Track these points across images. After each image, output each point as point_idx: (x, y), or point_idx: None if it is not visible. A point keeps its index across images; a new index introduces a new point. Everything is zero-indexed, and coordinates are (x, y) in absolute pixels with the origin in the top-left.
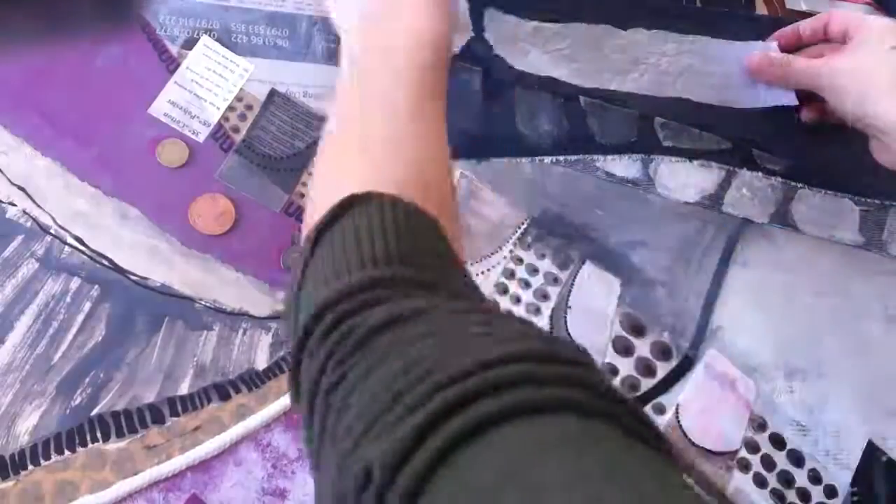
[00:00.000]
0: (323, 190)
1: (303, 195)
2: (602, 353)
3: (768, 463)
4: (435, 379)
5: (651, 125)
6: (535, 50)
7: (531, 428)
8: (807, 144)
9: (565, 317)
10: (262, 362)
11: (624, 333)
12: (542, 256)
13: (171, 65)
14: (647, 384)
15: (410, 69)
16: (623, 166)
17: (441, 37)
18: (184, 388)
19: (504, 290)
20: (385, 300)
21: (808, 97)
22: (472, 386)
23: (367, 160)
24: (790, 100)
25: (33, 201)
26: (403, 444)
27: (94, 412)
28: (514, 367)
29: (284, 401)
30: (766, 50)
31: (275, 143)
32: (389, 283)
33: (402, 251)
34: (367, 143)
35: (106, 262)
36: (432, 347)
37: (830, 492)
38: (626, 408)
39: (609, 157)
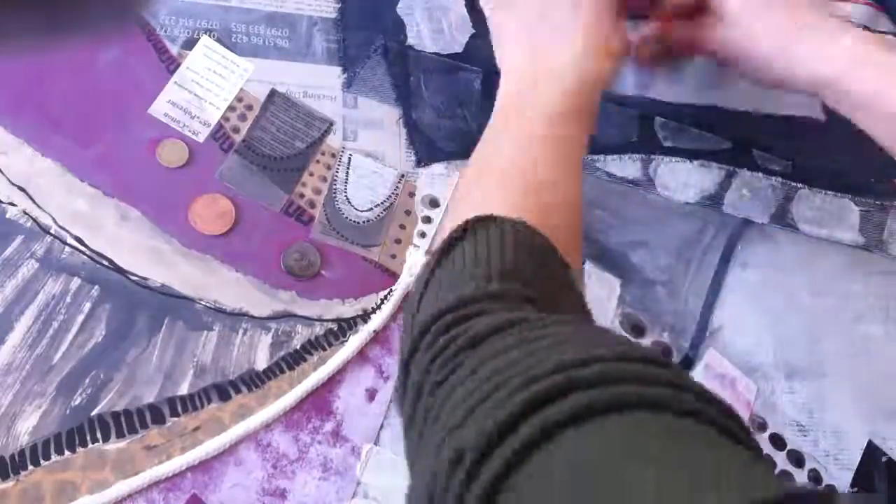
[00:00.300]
0: (454, 210)
1: (303, 195)
2: None
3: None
4: (531, 374)
5: (651, 125)
6: None
7: (626, 422)
8: (807, 145)
9: None
10: (262, 362)
11: (624, 333)
12: None
13: (172, 65)
14: None
15: (558, 102)
16: (623, 166)
17: (602, 73)
18: (184, 389)
19: None
20: (492, 312)
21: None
22: (563, 380)
23: (497, 186)
24: (816, 113)
25: (33, 202)
26: (497, 429)
27: (94, 412)
28: (607, 365)
29: (285, 401)
30: None
31: (275, 143)
32: (499, 297)
33: (515, 269)
34: (499, 170)
35: (106, 263)
36: (528, 351)
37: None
38: (719, 407)
39: (609, 157)
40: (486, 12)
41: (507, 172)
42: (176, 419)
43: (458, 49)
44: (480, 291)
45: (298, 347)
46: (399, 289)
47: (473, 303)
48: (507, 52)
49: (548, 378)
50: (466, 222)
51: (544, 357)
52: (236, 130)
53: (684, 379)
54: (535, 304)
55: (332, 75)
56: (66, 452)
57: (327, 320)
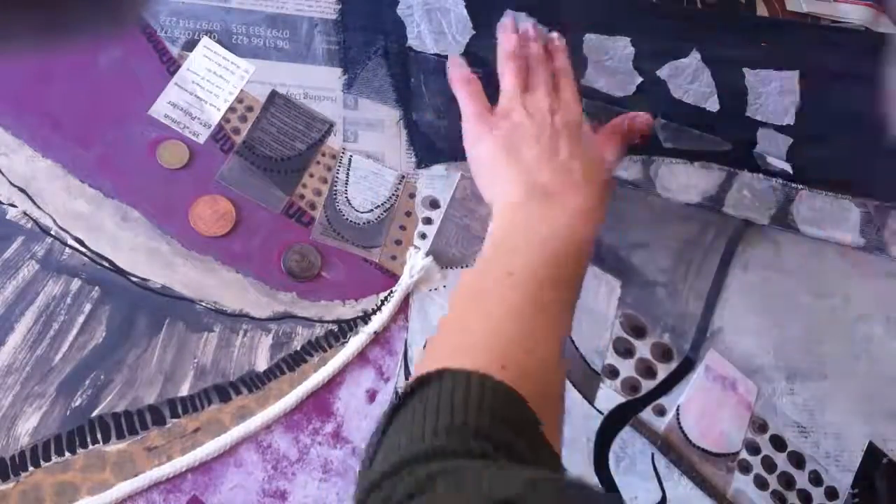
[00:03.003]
0: (424, 357)
1: (303, 196)
2: (602, 354)
3: (769, 464)
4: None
5: (651, 126)
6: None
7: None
8: (808, 145)
9: None
10: (262, 364)
11: (624, 335)
12: None
13: (172, 66)
14: (647, 386)
15: (548, 257)
16: (623, 167)
17: (593, 232)
18: (184, 390)
19: None
20: (438, 474)
21: None
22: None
23: (471, 339)
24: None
25: (34, 203)
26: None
27: (95, 413)
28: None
29: (285, 402)
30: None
31: (275, 144)
32: (448, 453)
33: (466, 425)
34: (476, 322)
35: (106, 264)
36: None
37: (831, 493)
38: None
39: None
40: (468, 148)
41: (484, 327)
42: (176, 420)
43: (459, 50)
44: (426, 448)
45: (299, 349)
46: (399, 290)
47: (417, 462)
48: (502, 194)
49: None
50: (427, 374)
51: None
52: (237, 132)
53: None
54: (493, 458)
55: (333, 77)
56: (67, 454)
57: (327, 321)
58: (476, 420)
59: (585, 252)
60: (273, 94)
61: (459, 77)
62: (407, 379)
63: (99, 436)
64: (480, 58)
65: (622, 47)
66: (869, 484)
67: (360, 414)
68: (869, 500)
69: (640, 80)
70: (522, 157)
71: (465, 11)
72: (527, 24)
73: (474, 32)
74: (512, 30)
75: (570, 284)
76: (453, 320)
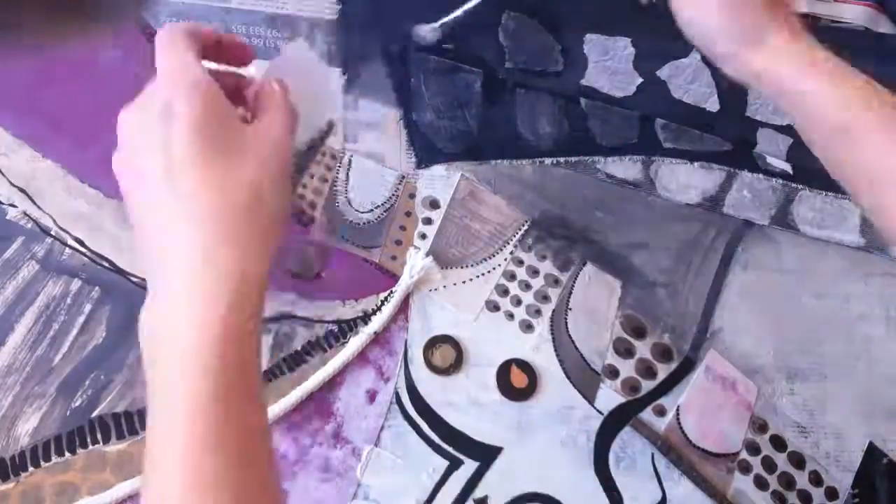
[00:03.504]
0: None
1: (303, 196)
2: (603, 354)
3: (769, 465)
4: None
5: (652, 127)
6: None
7: None
8: (808, 146)
9: (566, 319)
10: (262, 364)
11: (625, 335)
12: (543, 258)
13: None
14: (647, 386)
15: (186, 411)
16: (624, 168)
17: (262, 266)
18: None
19: (504, 292)
20: None
21: None
22: None
23: None
24: None
25: (34, 203)
26: None
27: (95, 414)
28: None
29: (285, 402)
30: None
31: None
32: None
33: None
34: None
35: (106, 264)
36: None
37: (831, 494)
38: None
39: (610, 159)
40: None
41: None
42: None
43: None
44: None
45: (299, 349)
46: (399, 290)
47: None
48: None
49: None
50: None
51: None
52: None
53: None
54: None
55: (333, 77)
56: (67, 454)
57: (328, 322)
58: None
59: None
60: None
61: None
62: (407, 380)
63: (99, 436)
64: (481, 59)
65: (622, 47)
66: (869, 484)
67: (360, 414)
68: (869, 500)
69: (640, 80)
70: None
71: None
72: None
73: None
74: None
75: (233, 404)
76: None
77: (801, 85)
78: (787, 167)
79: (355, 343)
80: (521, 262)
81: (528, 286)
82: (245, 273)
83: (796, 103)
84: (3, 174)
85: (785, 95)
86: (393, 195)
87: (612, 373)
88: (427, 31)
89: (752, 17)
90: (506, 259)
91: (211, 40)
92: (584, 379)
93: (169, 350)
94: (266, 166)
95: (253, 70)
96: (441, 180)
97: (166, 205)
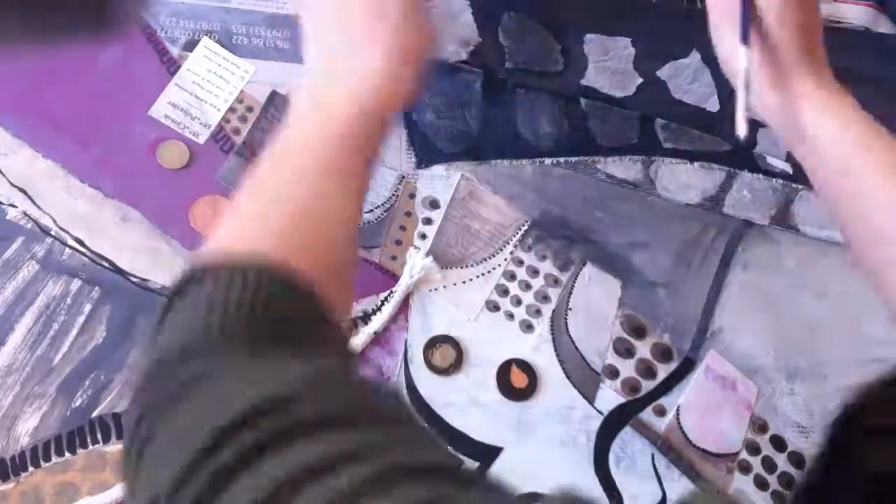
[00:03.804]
0: (213, 236)
1: None
2: (603, 354)
3: (769, 465)
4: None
5: (652, 127)
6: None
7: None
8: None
9: (566, 318)
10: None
11: (625, 335)
12: (543, 258)
13: (172, 67)
14: (647, 386)
15: (343, 117)
16: (624, 168)
17: (395, 83)
18: None
19: (504, 292)
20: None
21: None
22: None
23: (247, 218)
24: None
25: (34, 203)
26: (180, 473)
27: (95, 414)
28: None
29: None
30: None
31: None
32: (214, 353)
33: (238, 318)
34: (257, 199)
35: (106, 264)
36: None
37: None
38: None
39: (610, 159)
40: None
41: (255, 206)
42: None
43: (465, 55)
44: (198, 343)
45: None
46: (399, 290)
47: (186, 359)
48: (307, 56)
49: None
50: (190, 269)
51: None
52: (237, 132)
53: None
54: (257, 349)
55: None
56: (67, 454)
57: None
58: (251, 311)
59: (391, 105)
60: (273, 95)
61: None
62: (407, 380)
63: (99, 436)
64: (480, 59)
65: (622, 47)
66: None
67: None
68: None
69: (640, 80)
70: (319, 16)
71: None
72: None
73: (480, 41)
74: None
75: (358, 153)
76: (236, 205)
77: (819, 129)
78: (787, 167)
79: (355, 343)
80: (521, 262)
81: (528, 286)
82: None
83: (812, 148)
84: (3, 174)
85: (803, 140)
86: (393, 195)
87: (612, 373)
88: None
89: (785, 57)
90: (506, 259)
91: None
92: (584, 379)
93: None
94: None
95: (252, 69)
96: (441, 180)
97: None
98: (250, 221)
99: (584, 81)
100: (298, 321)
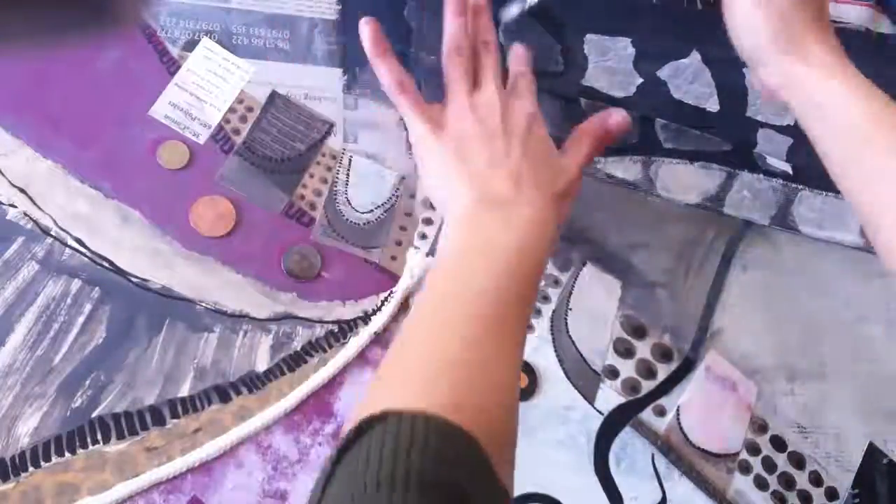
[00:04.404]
0: (367, 393)
1: (303, 197)
2: (603, 355)
3: (769, 465)
4: None
5: (652, 127)
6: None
7: None
8: (808, 146)
9: (566, 319)
10: (262, 364)
11: (625, 335)
12: None
13: (172, 67)
14: (647, 386)
15: (500, 273)
16: (623, 168)
17: (546, 247)
18: (184, 390)
19: None
20: None
21: None
22: None
23: (413, 370)
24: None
25: (34, 203)
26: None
27: (95, 414)
28: None
29: (285, 403)
30: None
31: (275, 145)
32: None
33: (410, 472)
34: (418, 349)
35: (106, 264)
36: None
37: (831, 494)
38: None
39: (609, 159)
40: (417, 157)
41: (420, 358)
42: (176, 421)
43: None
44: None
45: (299, 349)
46: (399, 290)
47: None
48: (453, 204)
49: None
50: (361, 422)
51: None
52: (237, 132)
53: None
54: None
55: (333, 77)
56: (67, 454)
57: (328, 322)
58: (420, 466)
59: (538, 267)
60: (273, 95)
61: (393, 83)
62: None
63: (99, 436)
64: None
65: (622, 48)
66: (869, 484)
67: None
68: (869, 500)
69: (640, 80)
70: (473, 164)
71: None
72: None
73: None
74: (459, 11)
75: (523, 300)
76: (399, 352)
77: (828, 97)
78: (788, 167)
79: (355, 343)
80: None
81: None
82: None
83: (821, 115)
84: (2, 174)
85: (812, 105)
86: (393, 195)
87: (612, 373)
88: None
89: (792, 23)
90: None
91: None
92: (584, 379)
93: (512, 240)
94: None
95: (252, 69)
96: None
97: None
98: (419, 379)
99: (583, 81)
100: (469, 480)
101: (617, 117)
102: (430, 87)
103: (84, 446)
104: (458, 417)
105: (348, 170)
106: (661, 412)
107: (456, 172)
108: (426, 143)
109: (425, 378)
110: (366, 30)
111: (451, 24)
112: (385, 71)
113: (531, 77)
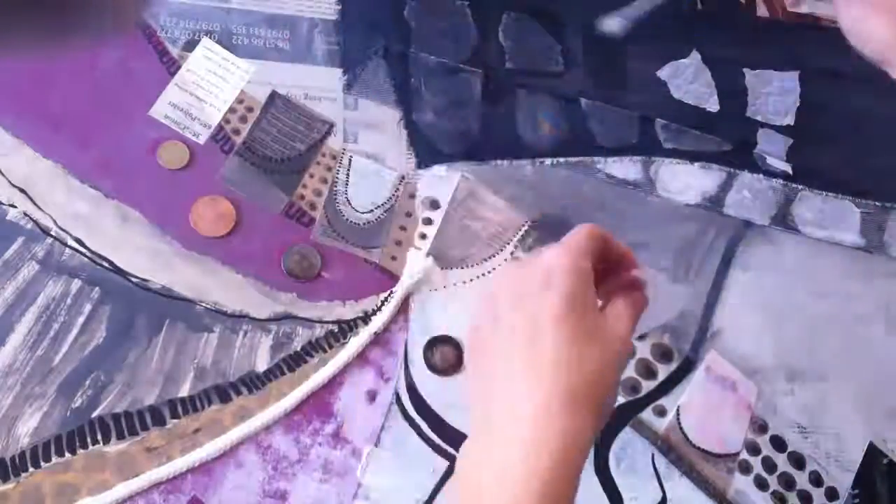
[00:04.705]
0: None
1: (303, 197)
2: None
3: (769, 465)
4: None
5: (652, 127)
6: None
7: None
8: (808, 146)
9: None
10: (262, 364)
11: None
12: None
13: (172, 67)
14: (647, 386)
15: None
16: (624, 168)
17: (588, 440)
18: (184, 390)
19: None
20: None
21: None
22: None
23: None
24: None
25: (34, 203)
26: None
27: (95, 414)
28: None
29: (285, 403)
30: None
31: (275, 145)
32: None
33: None
34: None
35: (106, 264)
36: None
37: (831, 494)
38: None
39: (610, 159)
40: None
41: None
42: (176, 421)
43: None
44: None
45: (299, 349)
46: (400, 290)
47: None
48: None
49: None
50: None
51: None
52: (237, 132)
53: None
54: None
55: (333, 77)
56: (67, 454)
57: (328, 322)
58: None
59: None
60: (273, 95)
61: None
62: (408, 381)
63: (99, 436)
64: (481, 60)
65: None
66: (869, 484)
67: (361, 414)
68: (869, 500)
69: (639, 79)
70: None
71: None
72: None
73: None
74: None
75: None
76: None
77: None
78: (788, 167)
79: (355, 343)
80: None
81: None
82: (575, 440)
83: None
84: (2, 174)
85: None
86: (393, 195)
87: None
88: (614, 23)
89: None
90: (506, 259)
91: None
92: None
93: (496, 482)
94: (613, 355)
95: (252, 69)
96: (441, 181)
97: (522, 361)
98: None
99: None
100: None
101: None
102: (431, 88)
103: (84, 446)
104: None
105: (348, 170)
106: (661, 412)
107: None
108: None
109: None
110: None
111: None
112: None
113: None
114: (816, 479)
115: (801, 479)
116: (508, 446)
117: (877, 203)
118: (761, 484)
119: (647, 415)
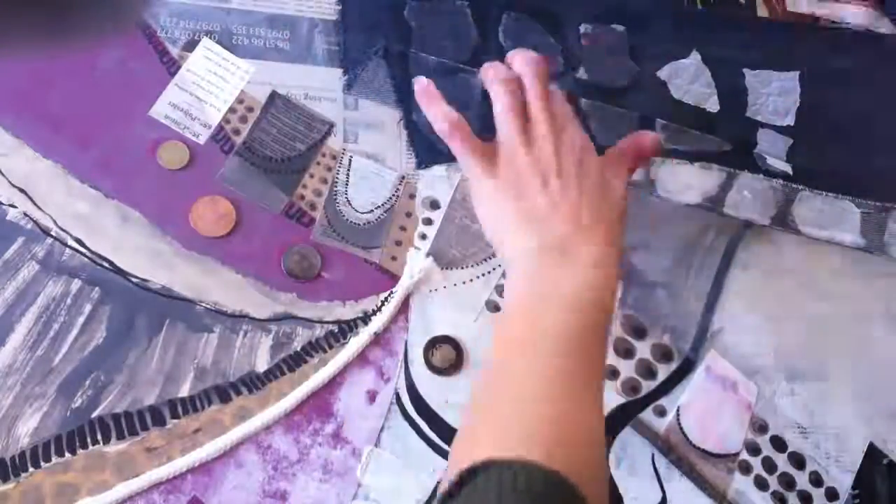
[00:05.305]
0: (460, 445)
1: (303, 197)
2: None
3: (769, 465)
4: None
5: (652, 127)
6: None
7: None
8: (808, 146)
9: None
10: (262, 364)
11: (624, 335)
12: None
13: (172, 67)
14: (647, 386)
15: (573, 318)
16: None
17: (613, 285)
18: (184, 390)
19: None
20: None
21: None
22: None
23: (500, 423)
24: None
25: (34, 203)
26: None
27: (95, 414)
28: None
29: (285, 403)
30: None
31: (276, 145)
32: None
33: None
34: (503, 405)
35: (106, 265)
36: None
37: (832, 494)
38: None
39: None
40: (474, 201)
41: (510, 408)
42: (176, 421)
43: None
44: None
45: (299, 349)
46: (400, 291)
47: None
48: (514, 250)
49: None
50: (464, 471)
51: None
52: (237, 132)
53: None
54: None
55: (333, 77)
56: (67, 454)
57: (328, 322)
58: None
59: (608, 305)
60: (273, 95)
61: (446, 126)
62: (408, 381)
63: (99, 436)
64: (482, 61)
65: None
66: (870, 485)
67: (361, 414)
68: (870, 501)
69: (636, 69)
70: (531, 208)
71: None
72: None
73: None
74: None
75: (598, 342)
76: (487, 403)
77: None
78: (788, 168)
79: (355, 343)
80: None
81: None
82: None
83: None
84: (2, 174)
85: None
86: (393, 195)
87: (612, 373)
88: None
89: None
90: None
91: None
92: None
93: (578, 284)
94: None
95: (252, 69)
96: (441, 181)
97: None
98: (511, 430)
99: (582, 76)
100: None
101: (651, 136)
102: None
103: (84, 446)
104: (553, 463)
105: (348, 170)
106: (661, 412)
107: (514, 216)
108: (482, 185)
109: (516, 428)
110: (420, 82)
111: (492, 68)
112: (436, 114)
113: (563, 98)
114: (816, 480)
115: (802, 480)
116: (567, 279)
117: (877, 203)
118: (761, 484)
119: (647, 415)
